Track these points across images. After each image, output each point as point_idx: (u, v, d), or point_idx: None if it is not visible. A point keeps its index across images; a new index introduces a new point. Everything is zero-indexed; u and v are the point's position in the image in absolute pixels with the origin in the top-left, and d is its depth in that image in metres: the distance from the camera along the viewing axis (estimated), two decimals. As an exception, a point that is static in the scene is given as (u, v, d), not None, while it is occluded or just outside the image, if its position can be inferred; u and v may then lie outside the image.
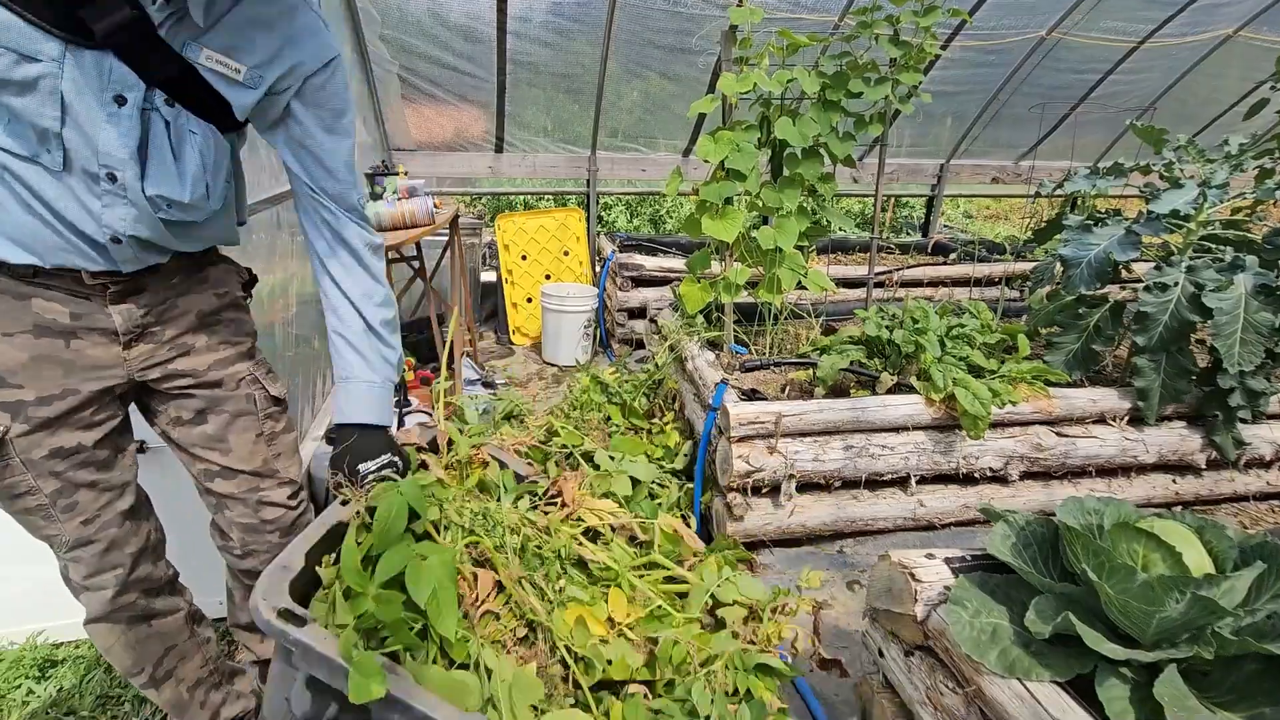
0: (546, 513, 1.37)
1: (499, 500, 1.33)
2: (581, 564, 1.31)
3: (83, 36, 0.91)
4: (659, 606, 1.25)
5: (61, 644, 1.94)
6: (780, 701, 1.23)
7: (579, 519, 1.38)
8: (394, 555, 0.97)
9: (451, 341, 3.35)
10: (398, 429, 2.50)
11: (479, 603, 1.09)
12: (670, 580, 1.38)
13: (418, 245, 3.28)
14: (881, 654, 1.44)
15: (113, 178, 1.00)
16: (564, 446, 2.30)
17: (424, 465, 1.31)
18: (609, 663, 1.11)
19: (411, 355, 3.47)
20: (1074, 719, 1.02)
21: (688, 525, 2.29)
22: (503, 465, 1.43)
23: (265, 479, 1.37)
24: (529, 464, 1.54)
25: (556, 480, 1.43)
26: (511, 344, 4.61)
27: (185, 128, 1.05)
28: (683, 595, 1.36)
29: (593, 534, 1.39)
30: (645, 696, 1.10)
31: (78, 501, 1.17)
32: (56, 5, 0.88)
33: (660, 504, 2.23)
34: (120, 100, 0.97)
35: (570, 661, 1.10)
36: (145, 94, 0.99)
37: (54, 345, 1.08)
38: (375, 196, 3.04)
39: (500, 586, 1.13)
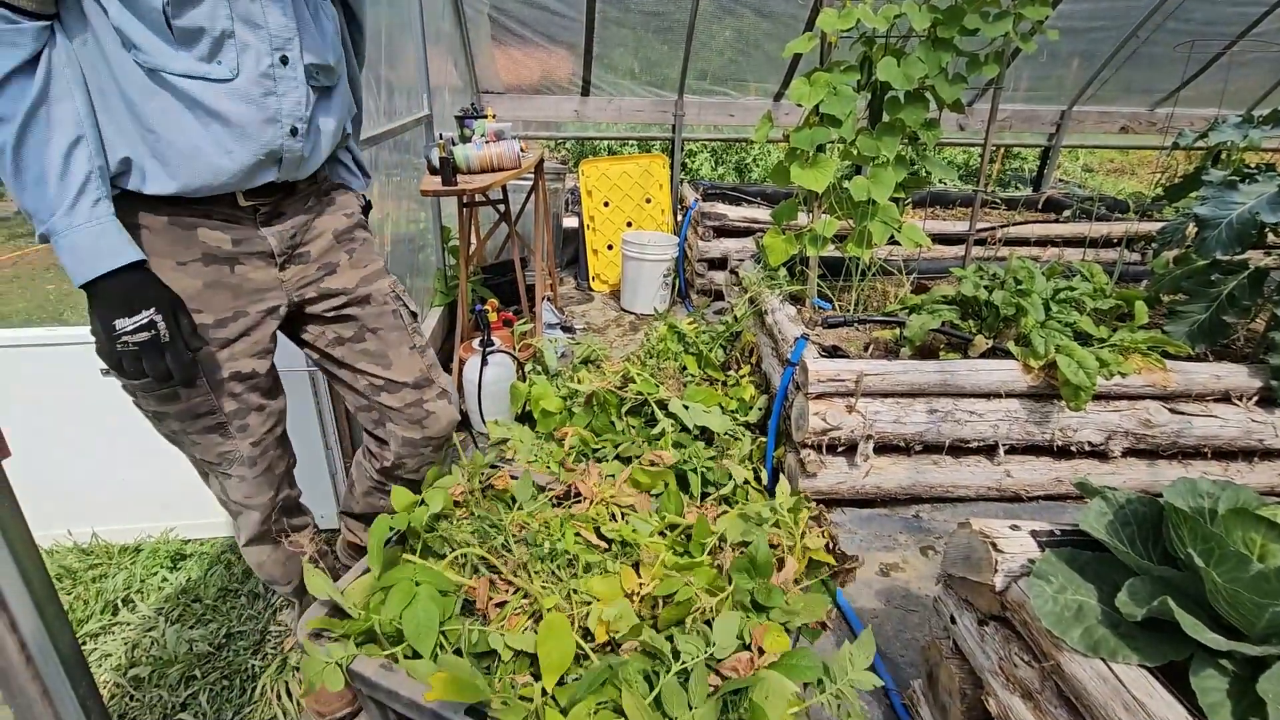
0: (571, 509, 1.47)
1: (520, 508, 1.46)
2: (619, 543, 1.40)
3: None
4: (675, 563, 1.30)
5: (189, 540, 2.19)
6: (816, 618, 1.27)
7: (606, 504, 1.49)
8: (394, 595, 1.17)
9: (533, 285, 3.42)
10: (481, 368, 2.61)
11: (488, 600, 1.23)
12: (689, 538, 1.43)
13: (503, 189, 3.33)
14: (953, 620, 1.41)
15: (285, 60, 1.06)
16: (639, 394, 2.33)
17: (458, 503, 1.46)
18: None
19: (495, 297, 3.57)
20: (1160, 703, 0.97)
21: (758, 479, 2.30)
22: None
23: (426, 388, 1.45)
24: (550, 474, 1.66)
25: (572, 481, 1.54)
26: (591, 290, 4.66)
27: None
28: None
29: (623, 515, 1.48)
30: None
31: (249, 424, 1.27)
32: None
33: (732, 455, 2.24)
34: None
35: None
36: None
37: (221, 271, 1.16)
38: (464, 139, 3.09)
39: (508, 581, 1.27)
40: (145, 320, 0.98)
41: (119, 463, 2.07)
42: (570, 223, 4.99)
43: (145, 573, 2.05)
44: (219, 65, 1.00)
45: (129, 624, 1.88)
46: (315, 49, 1.12)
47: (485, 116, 3.20)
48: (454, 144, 2.95)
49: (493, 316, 3.19)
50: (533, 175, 3.44)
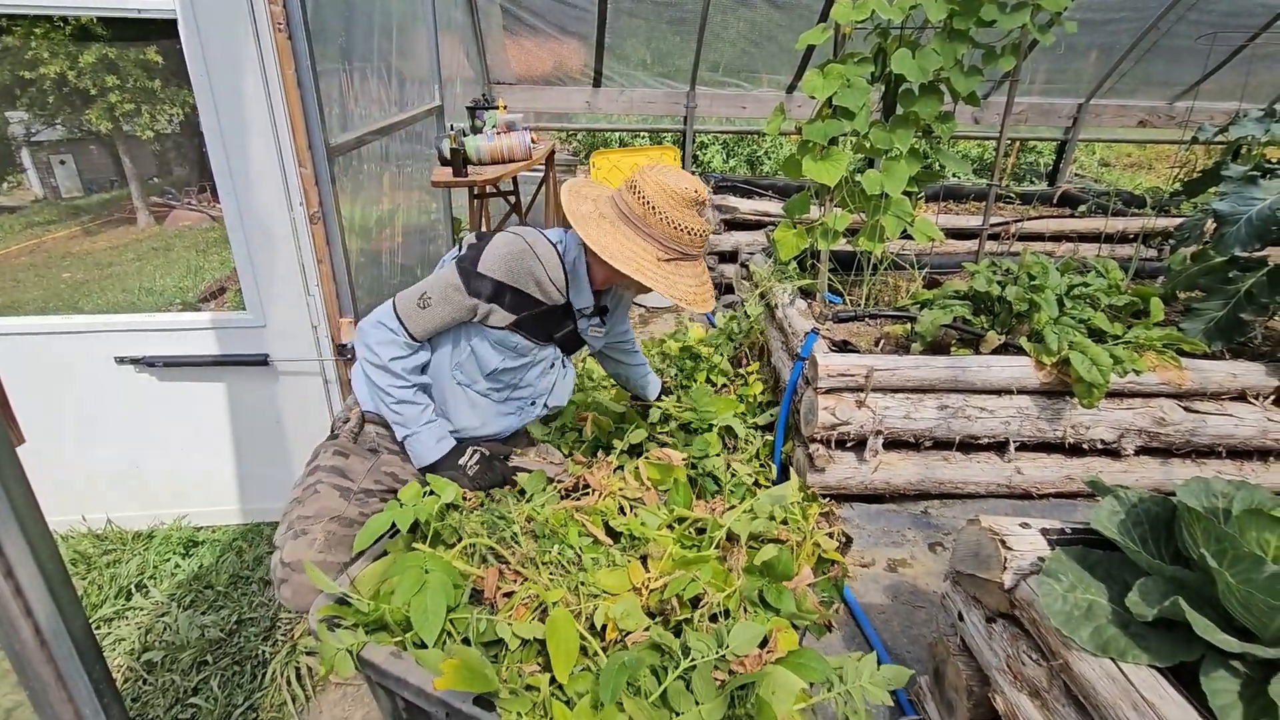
0: (579, 501, 1.49)
1: (530, 500, 1.51)
2: (628, 536, 1.40)
3: (549, 341, 1.62)
4: (683, 557, 1.29)
5: (201, 527, 2.21)
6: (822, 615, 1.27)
7: (613, 496, 1.50)
8: (403, 583, 1.19)
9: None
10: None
11: (496, 590, 1.25)
12: (702, 530, 1.43)
13: (514, 180, 3.32)
14: (961, 618, 1.41)
15: (533, 402, 1.72)
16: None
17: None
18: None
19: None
20: (1169, 704, 0.96)
21: (767, 476, 2.29)
22: (530, 471, 1.64)
23: None
24: (559, 465, 1.73)
25: (582, 475, 1.59)
26: (601, 283, 4.65)
27: (569, 365, 1.76)
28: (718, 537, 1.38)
29: (632, 508, 1.49)
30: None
31: None
32: (546, 333, 1.59)
33: (741, 450, 2.23)
34: (552, 364, 1.69)
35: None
36: (562, 358, 1.71)
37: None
38: (475, 130, 3.09)
39: (516, 572, 1.29)
40: (475, 455, 1.58)
41: (132, 450, 2.09)
42: (580, 215, 4.97)
43: (158, 559, 2.07)
44: (499, 394, 1.64)
45: (142, 609, 1.90)
46: (557, 398, 1.75)
47: (496, 107, 3.20)
48: (465, 135, 2.95)
49: (502, 308, 3.19)
50: (544, 167, 3.44)
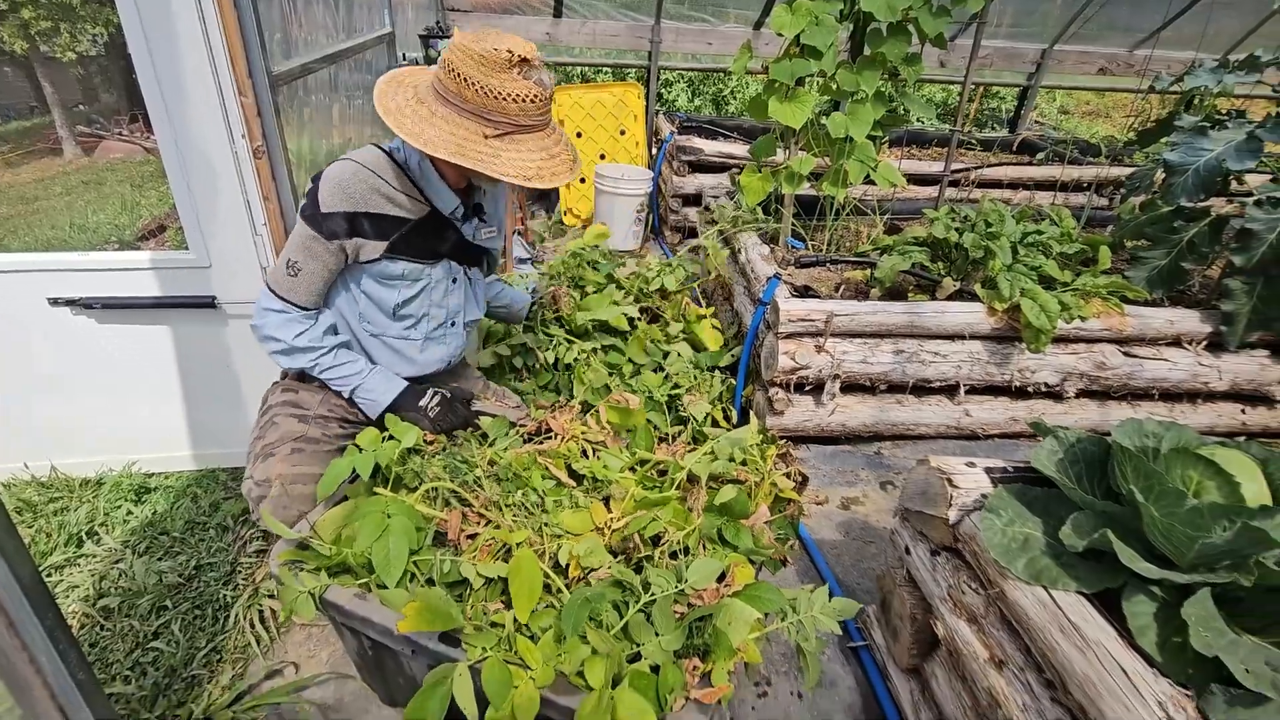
0: (541, 445, 1.51)
1: (492, 444, 1.52)
2: (590, 478, 1.43)
3: (437, 257, 1.55)
4: (644, 498, 1.32)
5: (153, 474, 2.16)
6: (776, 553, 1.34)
7: (578, 439, 1.52)
8: (365, 527, 1.20)
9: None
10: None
11: (459, 532, 1.27)
12: (663, 472, 1.46)
13: (472, 116, 3.18)
14: (908, 551, 1.49)
15: (453, 323, 1.67)
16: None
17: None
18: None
19: (464, 231, 3.47)
20: (1092, 626, 1.04)
21: (727, 419, 2.33)
22: (494, 416, 1.64)
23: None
24: (520, 408, 1.73)
25: (544, 419, 1.60)
26: (562, 224, 4.56)
27: (475, 277, 1.71)
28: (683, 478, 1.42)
29: (595, 451, 1.51)
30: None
31: None
32: (429, 249, 1.52)
33: (701, 394, 2.26)
34: (454, 279, 1.62)
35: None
36: (463, 270, 1.63)
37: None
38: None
39: (479, 515, 1.31)
40: (436, 396, 1.57)
41: (75, 396, 2.01)
42: (541, 154, 4.81)
43: (109, 506, 2.02)
44: (415, 330, 1.60)
45: (95, 556, 1.87)
46: (473, 313, 1.72)
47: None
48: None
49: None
50: (502, 102, 3.30)
